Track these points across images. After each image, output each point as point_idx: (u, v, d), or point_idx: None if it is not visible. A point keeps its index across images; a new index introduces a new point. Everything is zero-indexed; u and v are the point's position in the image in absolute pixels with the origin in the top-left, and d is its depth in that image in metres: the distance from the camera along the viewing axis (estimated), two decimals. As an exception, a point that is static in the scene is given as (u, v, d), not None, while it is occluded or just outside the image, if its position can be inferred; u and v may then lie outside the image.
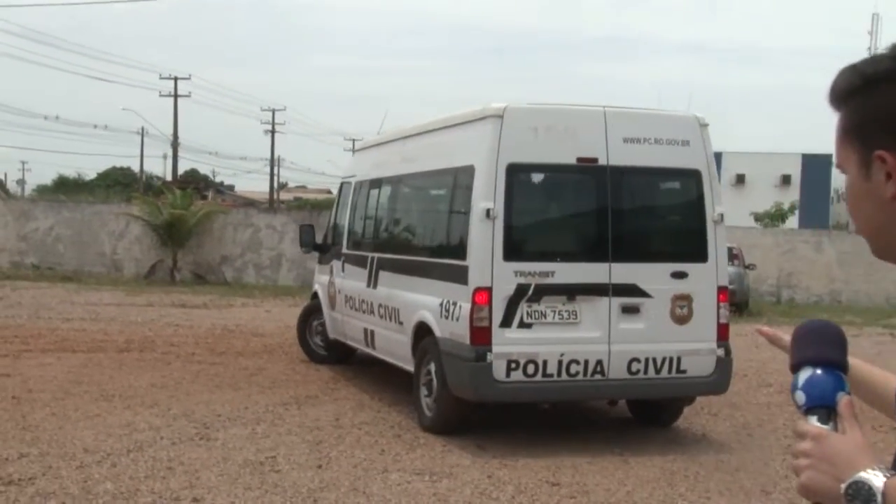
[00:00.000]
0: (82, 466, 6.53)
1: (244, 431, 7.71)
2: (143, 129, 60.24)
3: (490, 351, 7.17)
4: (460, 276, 7.40)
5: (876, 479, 1.11)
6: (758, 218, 33.08)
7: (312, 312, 11.46)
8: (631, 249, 7.54)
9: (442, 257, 7.86)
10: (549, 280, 7.29)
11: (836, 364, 1.24)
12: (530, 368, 7.22)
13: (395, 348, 8.77)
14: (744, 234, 23.54)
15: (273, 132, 64.06)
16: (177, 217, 23.91)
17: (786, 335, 1.40)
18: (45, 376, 9.86)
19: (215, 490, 6.10)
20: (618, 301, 7.40)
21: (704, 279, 7.57)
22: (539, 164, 7.44)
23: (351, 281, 10.05)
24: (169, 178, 57.15)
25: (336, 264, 10.64)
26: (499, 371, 7.17)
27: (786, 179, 57.70)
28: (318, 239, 11.38)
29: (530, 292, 7.24)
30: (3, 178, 75.28)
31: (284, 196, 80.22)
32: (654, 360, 7.44)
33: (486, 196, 7.21)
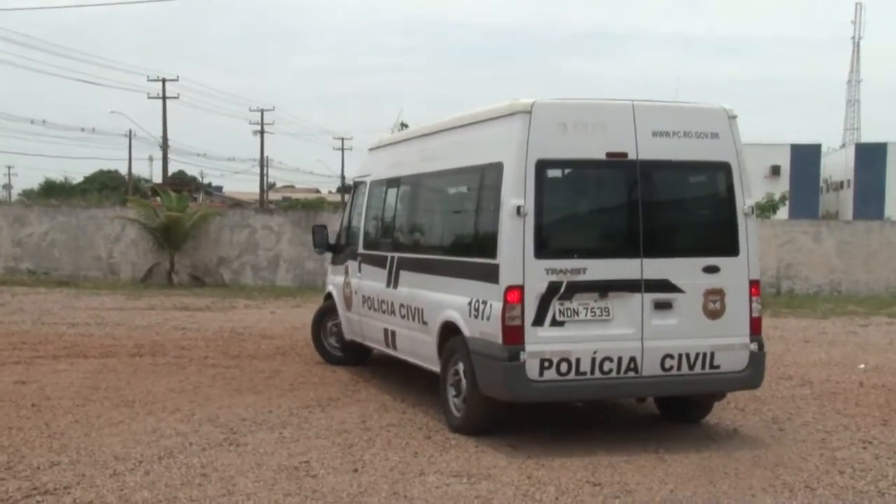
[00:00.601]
0: (116, 474, 6.41)
1: (272, 436, 7.60)
2: (130, 131, 59.84)
3: (523, 350, 7.07)
4: (490, 274, 7.30)
5: None
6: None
7: (326, 313, 11.34)
8: (662, 244, 7.46)
9: (469, 256, 7.76)
10: (581, 277, 7.20)
11: None
12: (563, 367, 7.14)
13: (419, 348, 8.67)
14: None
15: (262, 132, 63.82)
16: (173, 219, 23.70)
17: None
18: (60, 383, 9.71)
19: (255, 497, 6.00)
20: (650, 297, 7.32)
21: (736, 273, 7.50)
22: (568, 159, 7.35)
23: (369, 281, 9.94)
24: (156, 180, 56.79)
25: (352, 265, 10.52)
26: (532, 370, 7.08)
27: (775, 170, 57.94)
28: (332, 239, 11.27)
29: (562, 290, 7.16)
30: (-11, 182, 74.68)
31: (273, 196, 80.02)
32: (688, 356, 7.36)
33: (516, 193, 7.12)
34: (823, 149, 65.93)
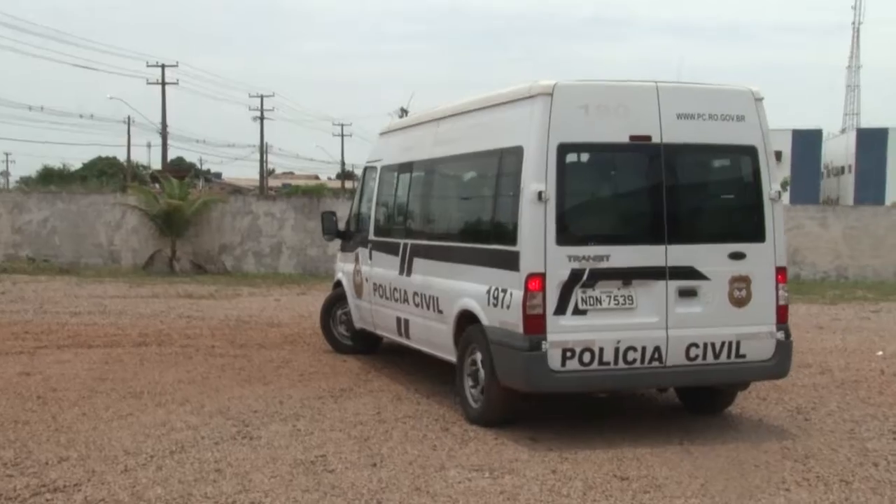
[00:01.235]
0: (127, 470, 6.20)
1: (285, 428, 7.39)
2: (129, 117, 59.41)
3: (545, 339, 6.86)
4: (510, 261, 7.08)
5: None
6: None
7: (336, 301, 11.12)
8: (687, 230, 7.22)
9: (488, 243, 7.53)
10: (604, 264, 6.98)
11: None
12: (586, 357, 6.92)
13: (434, 337, 8.46)
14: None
15: (262, 118, 63.42)
16: (174, 206, 23.46)
17: None
18: (66, 374, 9.49)
19: (272, 494, 5.79)
20: (675, 284, 7.11)
21: (763, 259, 7.29)
22: (591, 143, 7.11)
23: (380, 269, 9.71)
24: (154, 166, 56.46)
25: (362, 252, 10.29)
26: (554, 360, 6.87)
27: (777, 156, 57.62)
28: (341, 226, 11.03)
29: (585, 277, 6.93)
30: (-14, 169, 74.27)
31: (273, 182, 79.65)
32: (713, 345, 7.15)
33: (538, 178, 6.88)
34: (824, 134, 65.72)
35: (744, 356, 7.23)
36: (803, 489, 5.99)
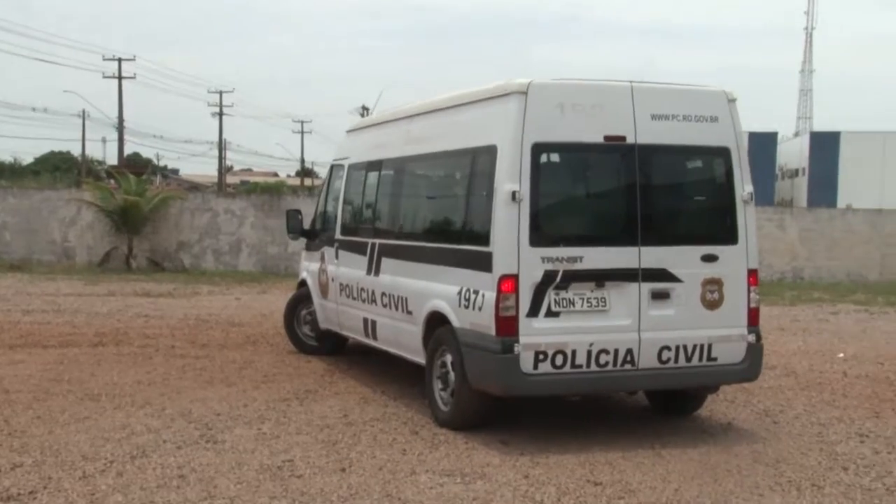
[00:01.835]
0: (85, 477, 5.97)
1: (250, 432, 7.19)
2: (84, 111, 58.28)
3: (517, 342, 6.75)
4: (483, 262, 6.96)
5: None
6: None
7: (300, 301, 10.91)
8: (660, 232, 7.17)
9: (460, 243, 7.40)
10: (578, 266, 6.89)
11: None
12: (559, 359, 6.83)
13: (402, 339, 8.31)
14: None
15: (221, 114, 62.66)
16: (131, 203, 23.00)
17: None
18: (19, 375, 9.18)
19: (239, 500, 5.61)
20: (647, 286, 7.04)
21: (735, 262, 7.26)
22: (566, 143, 7.01)
23: (347, 268, 9.53)
24: (110, 162, 55.46)
25: (328, 251, 10.10)
26: (526, 363, 6.76)
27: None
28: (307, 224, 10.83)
29: (558, 279, 6.84)
30: (-66, 162, 72.33)
31: (231, 179, 78.77)
32: (685, 348, 7.10)
33: (511, 178, 6.77)
34: (779, 137, 66.66)
35: (715, 359, 7.19)
36: (777, 494, 5.96)
